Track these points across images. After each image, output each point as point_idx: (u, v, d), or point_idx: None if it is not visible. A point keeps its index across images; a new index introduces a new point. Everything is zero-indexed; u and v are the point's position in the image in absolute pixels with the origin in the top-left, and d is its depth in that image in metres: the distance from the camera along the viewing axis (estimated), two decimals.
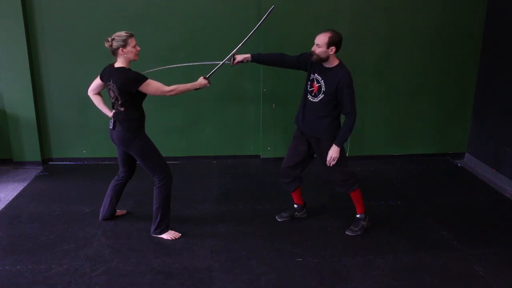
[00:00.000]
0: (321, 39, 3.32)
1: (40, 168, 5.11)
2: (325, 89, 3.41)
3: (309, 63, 3.51)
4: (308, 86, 3.53)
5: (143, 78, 3.30)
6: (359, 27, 5.02)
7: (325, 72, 3.43)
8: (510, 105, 4.69)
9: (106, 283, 3.06)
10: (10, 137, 5.05)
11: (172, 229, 3.66)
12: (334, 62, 3.42)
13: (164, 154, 3.59)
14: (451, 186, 4.76)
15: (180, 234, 3.65)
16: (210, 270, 3.22)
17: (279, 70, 5.03)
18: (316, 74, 3.47)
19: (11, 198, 4.33)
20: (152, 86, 3.33)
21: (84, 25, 4.85)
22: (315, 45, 3.36)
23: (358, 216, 3.74)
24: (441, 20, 5.11)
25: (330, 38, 3.30)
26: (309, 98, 3.53)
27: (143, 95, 3.40)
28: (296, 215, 3.96)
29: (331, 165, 3.48)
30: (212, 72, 3.66)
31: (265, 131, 5.26)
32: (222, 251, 3.46)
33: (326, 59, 3.38)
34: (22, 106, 4.94)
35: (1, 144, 5.14)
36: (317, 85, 3.45)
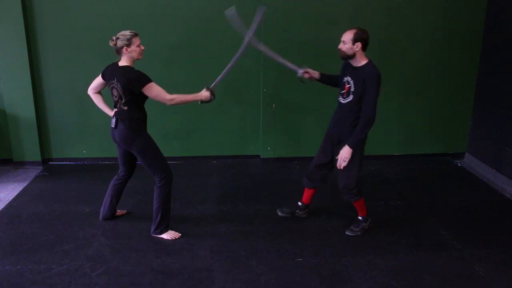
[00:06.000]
0: (347, 36, 3.34)
1: (40, 168, 5.11)
2: (353, 89, 3.39)
3: (343, 67, 3.52)
4: (340, 88, 3.53)
5: (147, 80, 3.30)
6: None
7: (353, 72, 3.42)
8: (510, 105, 4.69)
9: (106, 283, 3.06)
10: (10, 137, 5.05)
11: (172, 229, 3.66)
12: (362, 61, 3.40)
13: (164, 154, 3.59)
14: (451, 186, 4.75)
15: (180, 234, 3.65)
16: (210, 270, 3.22)
17: (280, 70, 5.07)
18: (347, 76, 3.46)
19: (11, 198, 4.33)
20: (154, 90, 3.32)
21: (84, 25, 4.86)
22: (341, 42, 3.37)
23: (359, 218, 3.74)
24: (441, 20, 5.11)
25: (355, 34, 3.33)
26: (340, 100, 3.53)
27: (146, 95, 3.40)
28: (297, 213, 3.96)
29: (341, 166, 3.44)
30: (216, 83, 3.59)
31: (265, 131, 5.26)
32: (222, 251, 3.45)
33: (353, 56, 3.37)
34: (22, 106, 4.94)
35: (1, 144, 5.14)
36: (347, 86, 3.44)
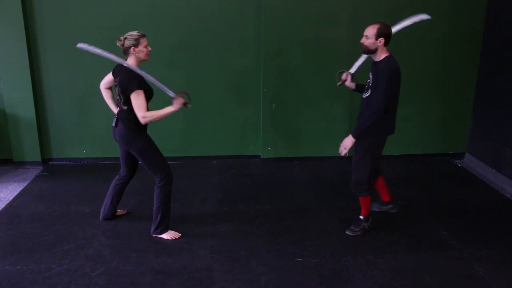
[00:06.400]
0: (370, 31, 3.34)
1: (40, 168, 5.11)
2: (371, 84, 3.40)
3: (372, 63, 3.51)
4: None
5: (138, 86, 3.26)
6: (359, 27, 4.98)
7: (374, 67, 3.42)
8: (510, 105, 4.69)
9: (106, 283, 3.06)
10: (10, 137, 5.05)
11: (172, 229, 3.66)
12: (382, 55, 3.39)
13: (164, 154, 3.59)
14: (451, 186, 4.75)
15: (180, 234, 3.65)
16: (210, 270, 3.22)
17: (280, 70, 5.07)
18: (370, 71, 3.47)
19: (11, 198, 4.33)
20: (138, 100, 3.27)
21: (84, 25, 4.86)
22: (364, 37, 3.37)
23: (361, 217, 3.73)
24: (441, 20, 5.10)
25: (379, 29, 3.32)
26: (363, 95, 3.54)
27: (147, 96, 3.37)
28: (383, 209, 3.84)
29: (342, 153, 3.45)
30: (167, 91, 3.42)
31: (265, 131, 5.26)
32: (222, 251, 3.45)
33: (375, 51, 3.37)
34: (22, 106, 4.94)
35: (1, 144, 5.14)
36: (368, 81, 3.46)
